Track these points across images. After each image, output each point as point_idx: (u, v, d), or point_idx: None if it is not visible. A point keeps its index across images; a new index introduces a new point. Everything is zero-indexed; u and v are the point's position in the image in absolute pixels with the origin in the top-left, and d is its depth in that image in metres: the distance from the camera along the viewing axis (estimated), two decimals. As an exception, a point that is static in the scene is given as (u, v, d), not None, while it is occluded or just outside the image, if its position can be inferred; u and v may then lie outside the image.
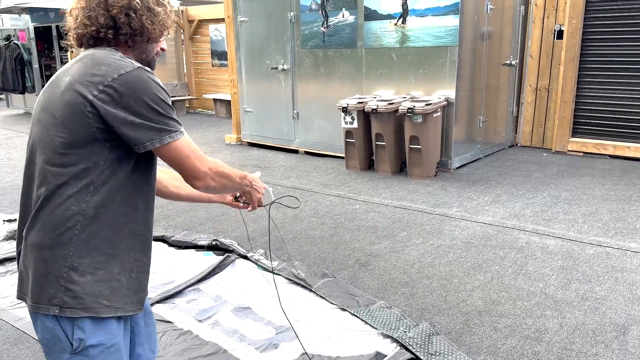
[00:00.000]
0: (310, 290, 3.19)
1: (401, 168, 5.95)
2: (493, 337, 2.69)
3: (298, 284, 3.27)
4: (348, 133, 5.99)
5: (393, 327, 2.70)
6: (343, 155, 6.25)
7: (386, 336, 2.64)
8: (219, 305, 3.07)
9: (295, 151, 7.18)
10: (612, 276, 3.27)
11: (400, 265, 3.58)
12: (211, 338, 2.74)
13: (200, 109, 12.33)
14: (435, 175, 5.67)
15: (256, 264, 3.53)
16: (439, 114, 5.53)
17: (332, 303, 3.03)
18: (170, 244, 3.90)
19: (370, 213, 4.64)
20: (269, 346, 2.66)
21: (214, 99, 11.41)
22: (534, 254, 3.65)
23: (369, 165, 6.11)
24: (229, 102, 9.67)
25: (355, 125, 5.87)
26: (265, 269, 3.46)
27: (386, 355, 2.51)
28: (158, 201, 5.13)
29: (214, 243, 3.76)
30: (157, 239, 3.97)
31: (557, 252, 3.65)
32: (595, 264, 3.46)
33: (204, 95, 11.96)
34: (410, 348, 2.51)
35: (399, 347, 2.55)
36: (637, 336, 2.63)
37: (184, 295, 3.18)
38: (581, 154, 6.38)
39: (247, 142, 7.81)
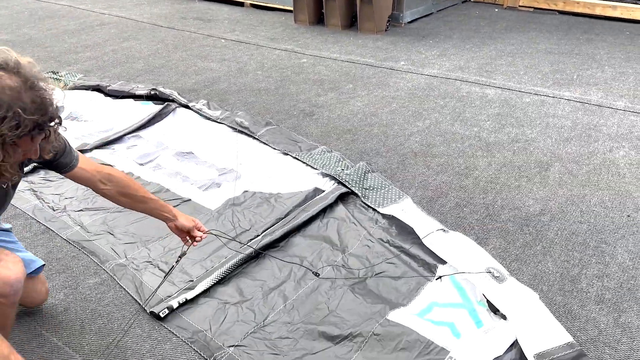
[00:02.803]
0: (254, 138, 3.20)
1: (352, 22, 5.73)
2: (425, 174, 2.84)
3: (242, 132, 3.26)
4: (296, -17, 5.61)
5: (332, 167, 2.79)
6: (291, 8, 5.92)
7: (325, 175, 2.74)
8: (160, 150, 3.05)
9: (241, 4, 6.74)
10: (544, 121, 3.43)
11: (344, 115, 3.61)
12: (153, 179, 2.76)
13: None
14: (386, 30, 5.52)
15: (198, 113, 3.47)
16: (391, -39, 5.21)
17: (274, 148, 3.07)
18: (107, 94, 3.74)
19: (317, 67, 4.55)
20: (211, 185, 2.72)
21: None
22: (473, 102, 3.74)
23: (319, 19, 5.85)
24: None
25: (303, -27, 5.48)
26: (208, 118, 3.41)
27: (324, 191, 2.62)
28: (93, 52, 4.84)
29: (152, 92, 3.63)
30: (92, 89, 3.80)
31: (495, 101, 3.76)
32: (529, 110, 3.60)
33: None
34: (346, 184, 2.62)
35: (336, 184, 2.66)
36: (558, 171, 2.84)
37: (124, 142, 3.13)
38: (532, 9, 6.31)
39: (189, -5, 7.21)
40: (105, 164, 2.85)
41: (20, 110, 1.22)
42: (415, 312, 1.89)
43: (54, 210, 2.47)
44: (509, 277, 1.91)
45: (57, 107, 1.32)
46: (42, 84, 1.29)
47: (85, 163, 1.66)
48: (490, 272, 1.90)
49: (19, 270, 1.51)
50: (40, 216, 2.43)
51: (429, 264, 2.09)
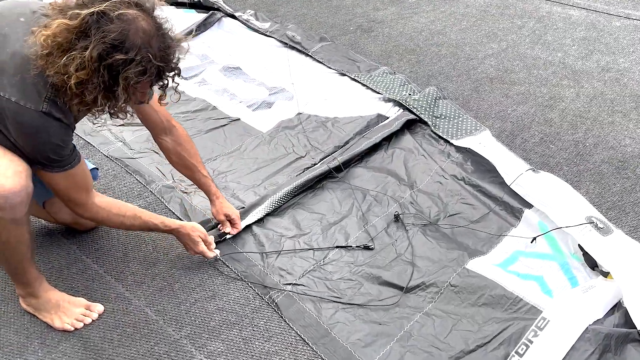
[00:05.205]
0: (307, 55, 2.87)
1: None
2: (504, 103, 2.50)
3: (293, 47, 2.94)
4: None
5: (396, 91, 2.47)
6: None
7: (389, 100, 2.43)
8: (205, 64, 2.78)
9: None
10: (638, 49, 2.98)
11: (407, 33, 3.22)
12: (199, 95, 2.51)
13: None
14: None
15: (245, 24, 3.13)
16: None
17: (330, 67, 2.75)
18: None
19: (375, -23, 4.08)
20: (262, 105, 2.46)
21: None
22: (554, 24, 3.28)
23: None
24: None
25: None
26: (256, 31, 3.09)
27: (388, 118, 2.33)
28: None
29: (196, 0, 3.29)
30: (131, -7, 3.48)
31: (581, 23, 3.28)
32: (620, 36, 3.12)
33: None
34: (414, 110, 2.31)
35: (401, 110, 2.35)
36: (657, 108, 2.46)
37: (166, 53, 2.87)
38: None
39: None
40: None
41: (150, 56, 1.17)
42: (497, 262, 1.65)
43: (93, 124, 2.26)
44: (615, 230, 1.63)
45: (179, 58, 1.27)
46: (170, 32, 1.23)
47: (157, 104, 1.50)
48: (592, 222, 1.62)
49: (17, 181, 1.22)
50: (79, 129, 2.23)
51: (513, 207, 1.82)
